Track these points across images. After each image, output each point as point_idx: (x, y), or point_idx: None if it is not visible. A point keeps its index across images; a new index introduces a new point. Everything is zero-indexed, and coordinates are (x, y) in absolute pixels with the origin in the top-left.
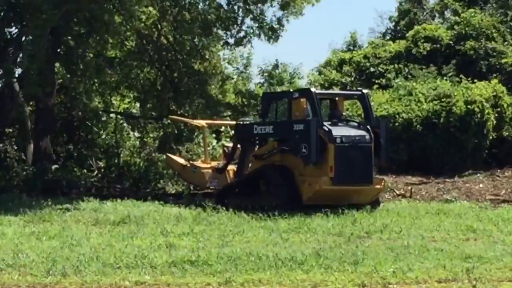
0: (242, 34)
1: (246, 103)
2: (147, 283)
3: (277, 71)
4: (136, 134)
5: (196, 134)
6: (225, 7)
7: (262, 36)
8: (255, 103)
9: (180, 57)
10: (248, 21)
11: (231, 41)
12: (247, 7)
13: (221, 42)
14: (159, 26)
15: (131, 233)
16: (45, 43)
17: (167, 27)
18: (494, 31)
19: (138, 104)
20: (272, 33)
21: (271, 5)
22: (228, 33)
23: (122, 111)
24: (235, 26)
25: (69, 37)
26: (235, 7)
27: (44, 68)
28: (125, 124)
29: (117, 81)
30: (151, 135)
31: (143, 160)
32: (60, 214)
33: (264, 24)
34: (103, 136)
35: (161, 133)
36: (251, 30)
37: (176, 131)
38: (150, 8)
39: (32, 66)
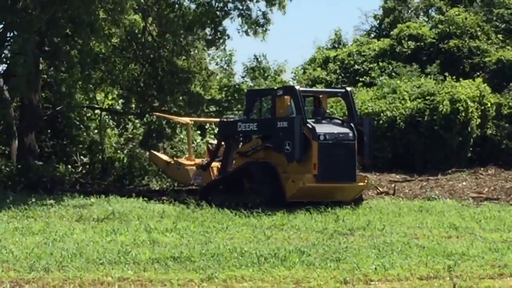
0: (218, 34)
1: (230, 98)
2: (130, 279)
3: (261, 67)
4: (119, 131)
5: (178, 131)
6: (206, 5)
7: (250, 32)
8: (239, 97)
9: (164, 54)
10: (229, 21)
11: (208, 39)
12: (227, 7)
13: (203, 41)
14: (143, 23)
15: (114, 229)
16: (33, 45)
17: (152, 24)
18: (478, 30)
19: (121, 101)
20: (259, 28)
21: (257, 1)
22: (206, 31)
23: (106, 107)
24: (213, 25)
25: (54, 37)
26: (217, 5)
27: (32, 70)
28: (109, 121)
29: (101, 78)
30: (135, 131)
31: (126, 156)
32: (44, 210)
33: (251, 20)
34: (87, 132)
35: (141, 130)
36: (238, 27)
37: (158, 128)
38: (136, 16)
39: (23, 71)
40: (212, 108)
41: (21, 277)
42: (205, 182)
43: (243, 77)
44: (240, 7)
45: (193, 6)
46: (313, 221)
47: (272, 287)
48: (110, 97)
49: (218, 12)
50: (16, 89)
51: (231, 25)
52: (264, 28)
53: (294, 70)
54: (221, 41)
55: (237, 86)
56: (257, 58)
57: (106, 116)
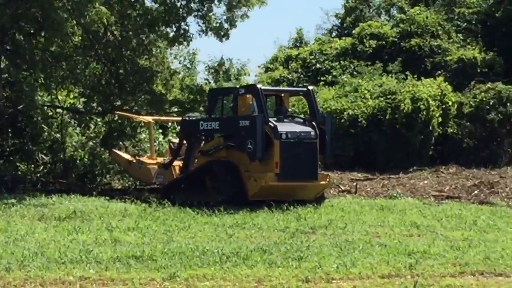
0: (181, 31)
1: (192, 98)
2: (92, 278)
3: (224, 67)
4: (80, 130)
5: (139, 131)
6: (169, 3)
7: (210, 34)
8: (202, 98)
9: (126, 53)
10: (192, 19)
11: (171, 37)
12: (190, 5)
13: (166, 40)
14: (105, 21)
15: (76, 228)
16: None
17: (114, 23)
18: (439, 29)
19: (83, 99)
20: (221, 31)
21: (218, 6)
22: (169, 29)
23: (67, 106)
24: (175, 23)
25: (17, 34)
26: (178, 4)
27: None
28: (71, 120)
29: (63, 76)
30: (96, 130)
31: (88, 154)
32: (5, 209)
33: (213, 22)
34: (49, 131)
35: (103, 129)
36: (199, 28)
37: (119, 127)
38: (102, 7)
39: None
40: (174, 109)
41: None
42: (167, 181)
43: (206, 79)
44: (203, 11)
45: (155, 5)
46: (275, 220)
47: (234, 286)
48: (71, 96)
49: (181, 10)
50: None
51: (194, 24)
52: (226, 31)
53: (257, 73)
54: (184, 39)
55: (199, 87)
56: (221, 63)
57: (67, 115)
